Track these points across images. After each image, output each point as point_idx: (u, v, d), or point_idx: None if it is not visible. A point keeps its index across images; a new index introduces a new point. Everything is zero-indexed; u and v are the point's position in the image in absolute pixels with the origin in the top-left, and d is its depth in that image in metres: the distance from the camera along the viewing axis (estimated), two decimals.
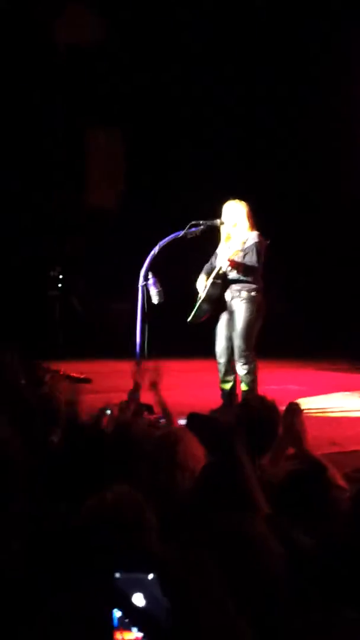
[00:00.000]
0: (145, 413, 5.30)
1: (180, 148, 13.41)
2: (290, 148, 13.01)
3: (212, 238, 7.17)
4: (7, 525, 2.60)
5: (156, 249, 6.64)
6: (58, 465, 3.42)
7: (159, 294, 6.57)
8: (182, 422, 4.96)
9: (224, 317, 7.11)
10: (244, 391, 6.92)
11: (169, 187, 13.20)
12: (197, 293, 7.17)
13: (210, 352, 7.33)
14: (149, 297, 6.58)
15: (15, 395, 4.07)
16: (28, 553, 2.49)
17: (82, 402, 4.24)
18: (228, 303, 7.06)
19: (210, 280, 7.05)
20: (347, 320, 12.14)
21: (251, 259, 6.91)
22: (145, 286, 6.58)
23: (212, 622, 2.02)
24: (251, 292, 6.98)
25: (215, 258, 7.18)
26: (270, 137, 13.00)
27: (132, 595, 2.01)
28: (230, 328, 7.02)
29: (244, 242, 6.94)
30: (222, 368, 7.10)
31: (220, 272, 7.01)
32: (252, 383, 6.90)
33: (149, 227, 8.67)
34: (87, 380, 8.32)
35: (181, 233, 6.74)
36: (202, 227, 6.82)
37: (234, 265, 6.88)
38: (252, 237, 6.97)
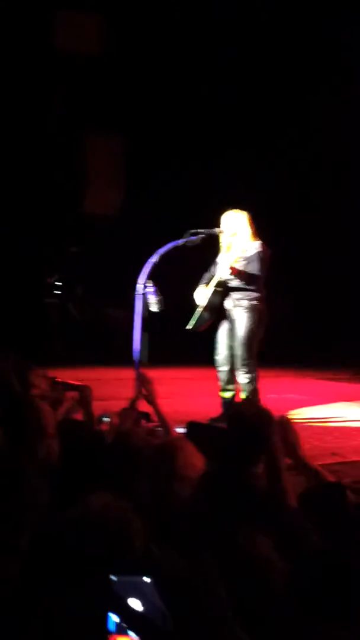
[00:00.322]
0: (143, 421, 5.25)
1: (180, 155, 13.39)
2: (292, 151, 13.05)
3: (211, 247, 7.12)
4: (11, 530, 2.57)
5: (155, 258, 6.59)
6: (55, 473, 3.37)
7: (159, 302, 6.53)
8: (181, 430, 4.93)
9: (224, 325, 7.06)
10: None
11: (169, 194, 13.17)
12: (196, 303, 7.12)
13: (209, 360, 7.29)
14: (147, 305, 6.53)
15: (10, 403, 4.01)
16: (27, 557, 2.47)
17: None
18: (229, 311, 7.01)
19: (211, 288, 7.00)
20: (348, 329, 12.12)
21: (253, 267, 6.87)
22: (144, 294, 6.53)
23: (209, 629, 1.99)
24: (253, 300, 6.93)
25: (215, 267, 7.14)
26: (271, 142, 12.99)
27: (128, 598, 1.97)
28: (232, 337, 6.98)
29: (245, 251, 6.90)
30: (223, 377, 7.06)
31: (221, 280, 6.97)
32: (253, 392, 6.86)
33: (148, 234, 8.64)
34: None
35: (181, 242, 6.69)
36: (201, 235, 6.77)
37: (235, 272, 6.84)
38: (255, 246, 6.92)
